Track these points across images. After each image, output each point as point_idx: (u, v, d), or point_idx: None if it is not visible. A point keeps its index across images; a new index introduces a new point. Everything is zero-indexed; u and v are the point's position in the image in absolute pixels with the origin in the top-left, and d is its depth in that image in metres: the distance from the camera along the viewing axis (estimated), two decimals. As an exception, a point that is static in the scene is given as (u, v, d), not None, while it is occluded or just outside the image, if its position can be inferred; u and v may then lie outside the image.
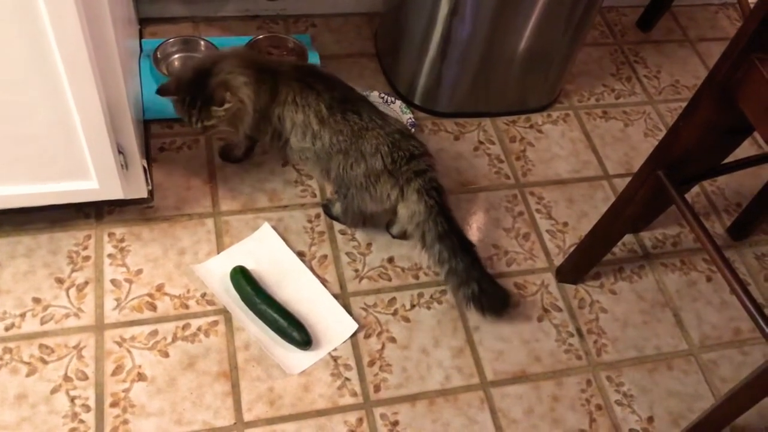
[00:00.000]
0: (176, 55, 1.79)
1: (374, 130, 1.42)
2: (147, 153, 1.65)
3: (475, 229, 1.70)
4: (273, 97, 1.43)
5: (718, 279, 1.71)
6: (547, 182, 1.81)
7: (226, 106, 1.38)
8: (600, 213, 1.52)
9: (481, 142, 1.86)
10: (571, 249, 1.64)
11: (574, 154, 1.89)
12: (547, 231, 1.72)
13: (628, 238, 1.74)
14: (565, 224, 1.74)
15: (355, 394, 1.41)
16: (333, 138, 1.42)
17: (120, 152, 1.33)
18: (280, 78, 1.44)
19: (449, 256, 1.42)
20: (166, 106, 1.46)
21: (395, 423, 1.39)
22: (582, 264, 1.61)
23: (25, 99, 1.17)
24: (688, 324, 1.63)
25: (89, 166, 1.30)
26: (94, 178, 1.33)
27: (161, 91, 1.41)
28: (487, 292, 1.45)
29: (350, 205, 1.51)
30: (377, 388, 1.43)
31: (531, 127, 1.92)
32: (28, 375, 1.33)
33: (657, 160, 1.30)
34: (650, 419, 1.48)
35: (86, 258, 1.49)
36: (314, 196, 1.68)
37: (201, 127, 1.42)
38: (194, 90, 1.38)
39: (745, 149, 1.83)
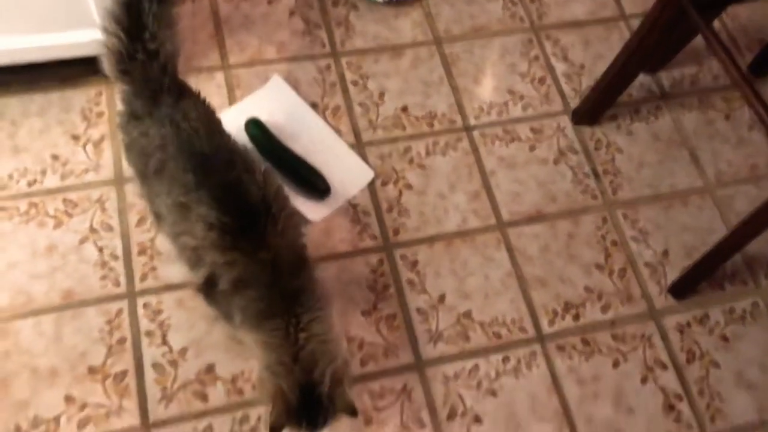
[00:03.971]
0: None
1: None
2: (150, 8, 1.60)
3: (489, 75, 1.67)
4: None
5: (736, 117, 1.68)
6: (563, 25, 1.76)
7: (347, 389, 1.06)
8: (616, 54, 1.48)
9: (493, -14, 1.79)
10: (588, 92, 1.62)
11: (591, -5, 1.82)
12: (563, 74, 1.69)
13: (645, 79, 1.71)
14: (582, 67, 1.70)
15: (374, 238, 1.45)
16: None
17: (123, -2, 1.29)
18: None
19: None
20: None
21: (414, 263, 1.43)
22: (598, 104, 1.59)
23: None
24: (704, 162, 1.62)
25: (93, 12, 1.26)
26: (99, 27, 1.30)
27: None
28: None
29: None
30: (396, 232, 1.46)
31: (545, -32, 1.84)
32: (55, 228, 1.36)
33: (680, -18, 1.25)
34: (665, 253, 1.51)
35: (100, 114, 1.48)
36: (323, 46, 1.64)
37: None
38: (310, 409, 1.04)
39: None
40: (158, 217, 1.16)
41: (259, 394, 1.24)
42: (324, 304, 1.09)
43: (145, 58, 1.08)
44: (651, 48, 1.39)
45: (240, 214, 1.04)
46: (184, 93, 1.13)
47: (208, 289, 1.10)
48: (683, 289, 1.44)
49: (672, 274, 1.48)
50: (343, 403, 1.05)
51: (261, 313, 1.05)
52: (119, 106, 1.16)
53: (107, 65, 1.11)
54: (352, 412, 1.05)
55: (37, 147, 1.43)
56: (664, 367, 1.40)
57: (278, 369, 1.04)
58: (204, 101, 1.17)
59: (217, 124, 1.14)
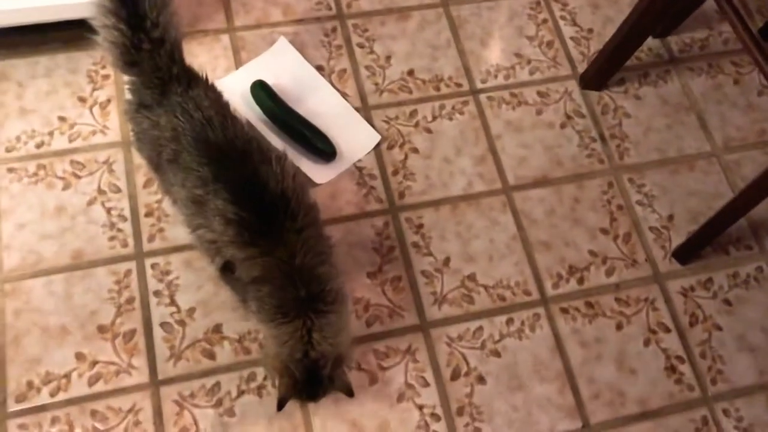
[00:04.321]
0: None
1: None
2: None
3: (497, 39, 1.65)
4: None
5: (745, 81, 1.67)
6: (571, -13, 1.74)
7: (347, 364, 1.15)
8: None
9: (502, -52, 1.77)
10: (596, 56, 1.60)
11: (601, -42, 1.79)
12: (571, 38, 1.67)
13: (654, 43, 1.69)
14: (590, 30, 1.69)
15: (380, 201, 1.45)
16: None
17: (128, -42, 1.28)
18: None
19: None
20: None
21: (420, 225, 1.44)
22: (606, 68, 1.57)
23: None
24: (712, 126, 1.62)
25: (98, -27, 1.26)
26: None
27: (282, 404, 1.11)
28: None
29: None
30: (401, 195, 1.46)
31: (555, -71, 1.81)
32: (63, 189, 1.37)
33: (691, -58, 1.23)
34: (670, 217, 1.51)
35: (106, 77, 1.48)
36: (329, 8, 1.63)
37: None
38: (309, 384, 1.10)
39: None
40: (174, 203, 1.16)
41: (266, 370, 1.28)
42: (340, 305, 1.09)
43: (151, 47, 1.05)
44: (660, 11, 1.38)
45: (258, 209, 1.03)
46: (193, 80, 1.11)
47: (226, 273, 1.10)
48: (688, 253, 1.45)
49: (677, 239, 1.48)
50: (341, 383, 1.12)
51: (276, 309, 1.06)
52: (126, 95, 1.14)
53: (112, 59, 1.08)
54: (349, 392, 1.13)
55: (45, 109, 1.43)
56: (666, 330, 1.41)
57: (288, 359, 1.08)
58: (213, 87, 1.14)
59: (227, 109, 1.12)
